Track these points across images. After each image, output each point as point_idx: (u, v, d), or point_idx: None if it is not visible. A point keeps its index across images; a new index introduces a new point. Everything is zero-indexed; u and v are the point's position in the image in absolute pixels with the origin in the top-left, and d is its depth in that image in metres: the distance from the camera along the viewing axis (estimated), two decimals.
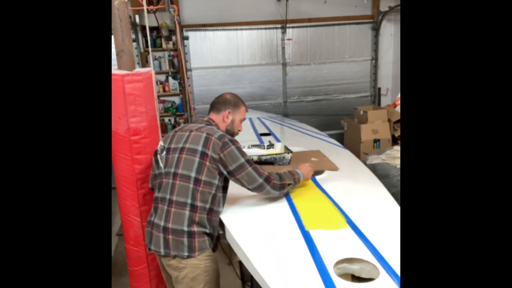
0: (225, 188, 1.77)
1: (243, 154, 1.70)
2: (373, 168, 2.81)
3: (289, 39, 5.40)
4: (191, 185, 1.66)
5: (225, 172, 1.69)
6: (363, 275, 1.32)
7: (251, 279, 2.52)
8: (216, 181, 1.69)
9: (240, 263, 2.23)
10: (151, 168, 1.91)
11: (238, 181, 1.71)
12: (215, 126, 1.83)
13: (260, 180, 1.69)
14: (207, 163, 1.67)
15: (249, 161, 1.70)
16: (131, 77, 1.85)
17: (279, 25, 5.33)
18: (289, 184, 1.81)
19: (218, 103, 1.90)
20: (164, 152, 1.76)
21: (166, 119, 5.42)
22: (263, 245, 1.50)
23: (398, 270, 1.24)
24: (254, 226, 1.66)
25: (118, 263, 3.17)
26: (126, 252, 2.12)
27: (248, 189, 1.73)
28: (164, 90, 5.28)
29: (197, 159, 1.67)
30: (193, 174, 1.67)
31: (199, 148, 1.68)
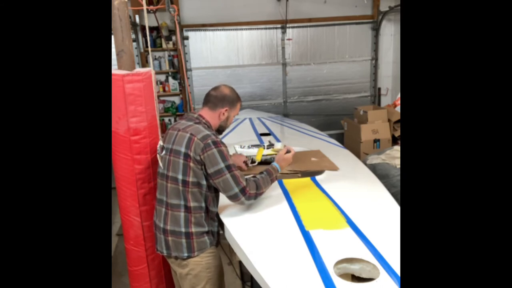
0: (216, 188, 1.70)
1: (224, 158, 1.61)
2: (373, 168, 2.81)
3: (289, 39, 5.39)
4: (180, 187, 1.66)
5: (205, 173, 1.65)
6: (363, 275, 1.32)
7: (251, 279, 2.52)
8: (204, 182, 1.65)
9: (240, 263, 2.23)
10: (152, 168, 1.92)
11: (216, 186, 1.65)
12: (202, 125, 1.72)
13: (236, 190, 1.61)
14: (191, 164, 1.63)
15: (229, 167, 1.61)
16: (131, 77, 1.85)
17: (279, 25, 5.32)
18: (264, 191, 1.73)
19: (216, 98, 1.79)
20: (164, 152, 1.76)
21: (166, 119, 5.41)
22: (263, 245, 1.50)
23: (398, 270, 1.24)
24: (254, 226, 1.65)
25: (118, 263, 3.17)
26: (126, 252, 2.12)
27: (224, 195, 1.66)
28: (164, 90, 5.28)
29: (181, 161, 1.65)
30: (180, 176, 1.65)
31: (182, 149, 1.65)
